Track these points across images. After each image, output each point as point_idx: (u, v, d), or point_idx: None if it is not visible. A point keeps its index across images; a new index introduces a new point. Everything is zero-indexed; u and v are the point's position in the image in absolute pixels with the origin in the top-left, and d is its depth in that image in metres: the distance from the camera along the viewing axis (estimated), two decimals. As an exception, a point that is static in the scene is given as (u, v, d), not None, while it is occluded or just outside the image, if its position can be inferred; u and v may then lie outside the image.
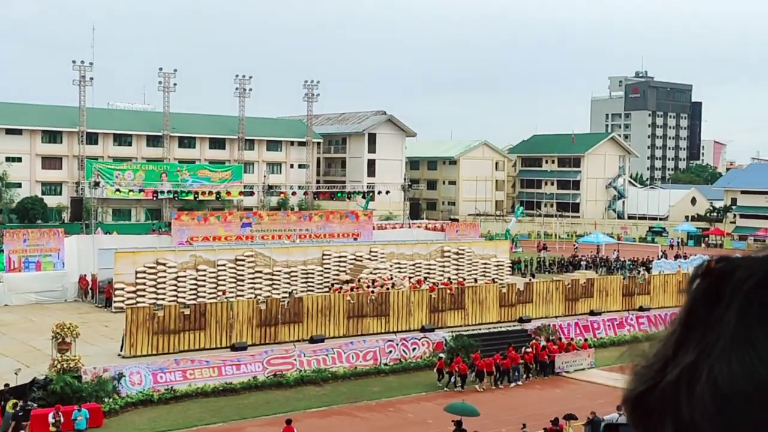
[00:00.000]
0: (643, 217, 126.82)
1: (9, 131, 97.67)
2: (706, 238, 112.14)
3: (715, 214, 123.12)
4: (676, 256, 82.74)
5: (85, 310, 49.78)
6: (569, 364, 43.55)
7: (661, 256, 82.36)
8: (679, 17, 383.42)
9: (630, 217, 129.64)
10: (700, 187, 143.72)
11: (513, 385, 40.62)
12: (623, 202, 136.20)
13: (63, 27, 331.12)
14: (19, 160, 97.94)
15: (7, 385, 32.48)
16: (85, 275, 53.21)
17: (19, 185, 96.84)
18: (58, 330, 34.58)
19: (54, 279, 53.05)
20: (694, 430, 1.23)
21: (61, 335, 34.46)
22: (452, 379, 39.63)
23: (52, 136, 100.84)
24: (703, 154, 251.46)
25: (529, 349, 42.96)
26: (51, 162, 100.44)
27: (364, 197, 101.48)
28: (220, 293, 49.53)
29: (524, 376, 41.54)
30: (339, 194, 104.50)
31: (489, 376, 40.27)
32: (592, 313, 51.58)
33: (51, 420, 30.05)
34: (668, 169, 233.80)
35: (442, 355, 41.04)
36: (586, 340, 47.43)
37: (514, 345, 43.01)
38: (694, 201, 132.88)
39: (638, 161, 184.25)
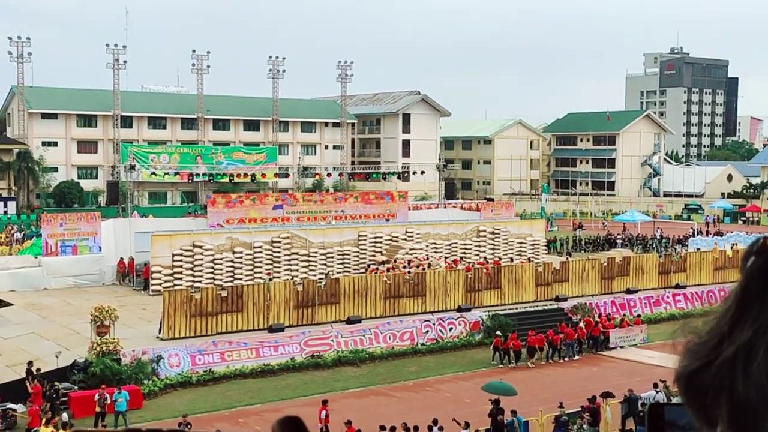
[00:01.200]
0: (678, 195, 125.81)
1: (45, 116, 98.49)
2: (743, 215, 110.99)
3: (751, 190, 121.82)
4: (712, 233, 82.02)
5: (123, 293, 50.16)
6: (623, 339, 43.78)
7: (697, 233, 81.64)
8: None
9: (666, 195, 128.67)
10: (737, 164, 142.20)
11: (567, 359, 41.03)
12: (659, 179, 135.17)
13: (97, 11, 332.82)
14: (55, 144, 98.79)
15: (38, 370, 32.78)
16: (122, 258, 53.59)
17: (56, 169, 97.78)
18: (96, 313, 34.85)
19: (92, 263, 53.48)
20: (749, 408, 1.23)
21: (99, 318, 34.73)
22: (506, 357, 39.86)
23: (87, 120, 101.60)
24: (739, 130, 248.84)
25: (582, 325, 43.19)
26: (86, 146, 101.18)
27: (382, 177, 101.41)
28: (266, 275, 49.75)
29: (577, 351, 41.82)
30: (374, 175, 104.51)
31: (540, 352, 40.55)
32: (628, 291, 51.30)
33: (97, 399, 30.37)
34: (704, 146, 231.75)
35: (498, 333, 41.07)
36: (639, 316, 47.80)
37: (560, 323, 43.30)
38: (730, 178, 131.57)
39: (674, 138, 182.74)
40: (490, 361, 40.04)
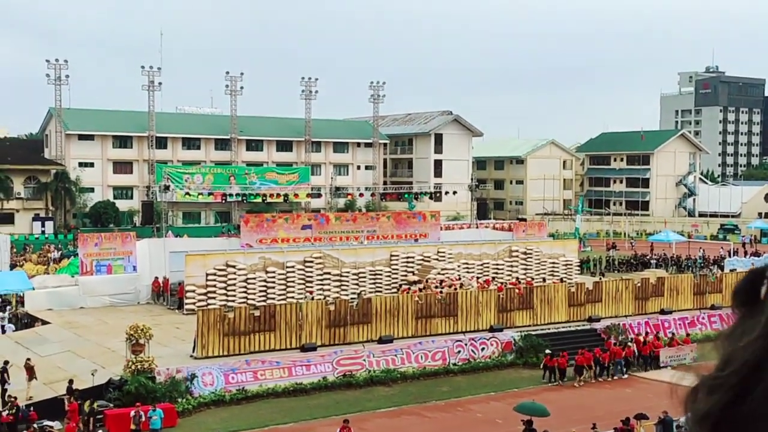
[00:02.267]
0: (714, 215, 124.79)
1: (81, 137, 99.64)
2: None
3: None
4: (749, 253, 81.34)
5: (158, 312, 50.55)
6: (673, 358, 43.81)
7: (733, 253, 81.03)
8: (750, 10, 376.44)
9: (701, 215, 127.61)
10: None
11: (616, 377, 41.37)
12: (694, 199, 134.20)
13: (132, 33, 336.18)
14: (92, 165, 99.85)
15: (71, 381, 33.21)
16: (157, 278, 54.04)
17: (92, 190, 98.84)
18: (131, 332, 35.18)
19: (127, 282, 53.99)
20: None
21: (134, 337, 35.06)
22: (552, 376, 40.15)
23: (123, 141, 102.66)
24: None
25: (631, 344, 43.43)
26: (122, 167, 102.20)
27: (414, 197, 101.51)
28: (308, 293, 50.15)
29: (625, 370, 42.06)
30: (406, 195, 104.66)
31: (588, 370, 40.73)
32: (662, 312, 50.96)
33: (132, 416, 30.68)
34: (740, 166, 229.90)
35: (548, 351, 41.18)
36: (688, 335, 47.99)
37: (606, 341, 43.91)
38: (767, 197, 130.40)
39: (709, 158, 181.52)
40: (540, 380, 40.22)
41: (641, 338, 44.91)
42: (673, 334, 47.90)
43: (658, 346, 44.17)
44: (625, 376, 41.62)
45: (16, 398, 32.09)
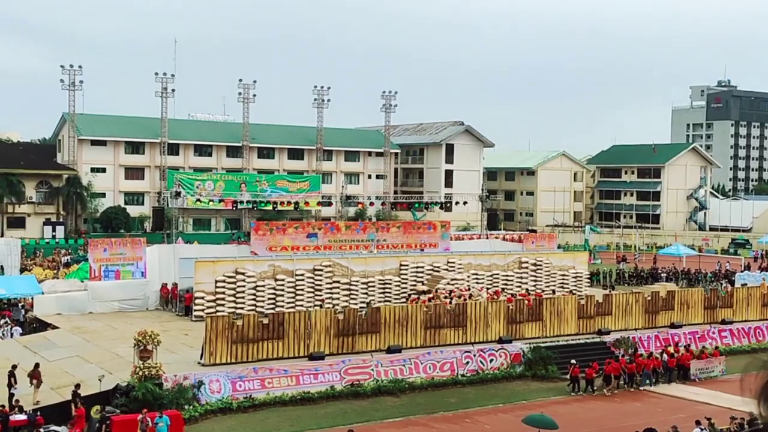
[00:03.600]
0: (725, 229, 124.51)
1: (94, 142, 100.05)
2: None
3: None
4: (762, 268, 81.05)
5: (166, 318, 50.56)
6: (702, 371, 43.96)
7: (745, 268, 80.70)
8: (763, 25, 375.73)
9: (712, 229, 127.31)
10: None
11: (642, 388, 41.49)
12: (705, 213, 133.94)
13: (146, 40, 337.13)
14: (104, 170, 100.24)
15: (77, 386, 33.20)
16: (166, 284, 54.05)
17: (104, 195, 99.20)
18: (140, 338, 35.14)
19: (136, 288, 54.02)
20: None
21: (142, 343, 35.02)
22: (578, 385, 40.31)
23: (135, 147, 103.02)
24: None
25: (658, 355, 43.68)
26: (134, 172, 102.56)
27: (422, 209, 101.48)
28: (318, 302, 50.22)
29: (653, 380, 42.26)
30: (416, 205, 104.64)
31: (616, 380, 40.96)
32: (672, 326, 50.73)
33: (139, 422, 30.61)
34: (752, 180, 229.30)
35: (573, 361, 41.21)
36: (717, 348, 48.03)
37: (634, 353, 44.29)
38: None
39: (720, 172, 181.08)
40: (568, 392, 40.20)
41: (671, 350, 45.08)
42: (703, 347, 47.88)
43: (687, 358, 44.20)
44: (651, 387, 41.66)
45: (4, 407, 31.87)
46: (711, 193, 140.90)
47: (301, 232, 59.61)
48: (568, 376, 41.02)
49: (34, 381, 34.67)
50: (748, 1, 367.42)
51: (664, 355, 43.92)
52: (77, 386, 33.14)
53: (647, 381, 42.06)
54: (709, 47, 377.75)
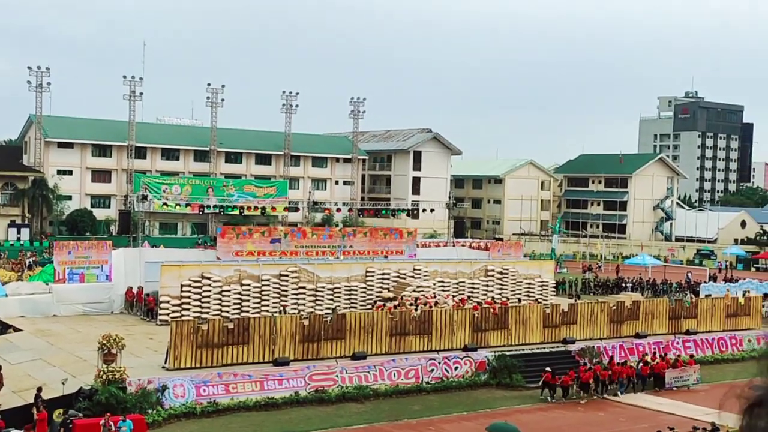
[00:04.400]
0: (691, 240, 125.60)
1: (61, 145, 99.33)
2: (756, 262, 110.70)
3: (765, 237, 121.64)
4: (724, 279, 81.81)
5: (131, 322, 50.26)
6: (677, 379, 44.46)
7: (710, 279, 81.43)
8: (730, 37, 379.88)
9: (678, 240, 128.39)
10: (751, 210, 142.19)
11: (618, 396, 42.03)
12: (671, 224, 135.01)
13: (114, 43, 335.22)
14: (70, 173, 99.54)
15: (39, 389, 32.93)
16: (131, 288, 53.75)
17: (70, 198, 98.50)
18: (104, 341, 34.95)
19: (101, 291, 53.65)
20: None
21: (107, 346, 34.83)
22: (552, 392, 40.74)
23: (102, 150, 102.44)
24: (753, 176, 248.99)
25: (632, 364, 44.39)
26: (100, 175, 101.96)
27: (409, 215, 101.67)
28: (281, 308, 50.15)
29: (625, 388, 42.74)
30: (383, 211, 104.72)
31: (591, 388, 41.62)
32: (637, 335, 51.07)
33: (101, 426, 30.40)
34: (718, 191, 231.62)
35: (548, 368, 41.47)
36: (692, 356, 48.90)
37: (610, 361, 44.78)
38: (744, 224, 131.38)
39: (687, 183, 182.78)
40: (544, 398, 40.58)
41: (647, 358, 45.65)
42: (678, 355, 48.61)
43: (662, 366, 44.64)
44: (620, 395, 42.06)
45: None
46: (677, 203, 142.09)
47: (266, 238, 59.42)
48: (540, 383, 41.23)
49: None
50: (716, 13, 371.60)
51: (640, 364, 44.42)
52: (39, 389, 32.87)
53: (622, 389, 42.44)
54: (677, 59, 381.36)
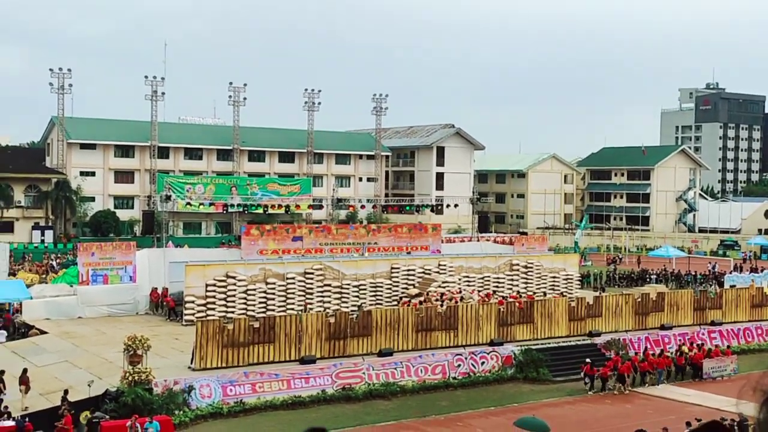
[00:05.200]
0: (714, 231, 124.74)
1: (83, 146, 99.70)
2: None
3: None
4: (748, 270, 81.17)
5: (156, 322, 50.33)
6: (715, 369, 44.30)
7: (734, 269, 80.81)
8: (751, 27, 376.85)
9: (701, 231, 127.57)
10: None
11: (657, 387, 41.98)
12: (694, 215, 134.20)
13: (136, 43, 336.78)
14: (93, 174, 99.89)
15: (66, 391, 32.99)
16: (156, 288, 53.83)
17: (93, 199, 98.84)
18: (129, 342, 34.96)
19: (126, 292, 53.74)
20: None
21: (132, 348, 34.84)
22: (594, 384, 40.91)
23: (125, 151, 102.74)
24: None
25: (668, 354, 44.50)
26: (123, 176, 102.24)
27: (433, 210, 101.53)
28: (304, 306, 50.24)
29: (665, 379, 42.76)
30: (407, 207, 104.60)
31: (628, 379, 41.50)
32: (662, 327, 50.75)
33: (128, 428, 30.43)
34: (740, 182, 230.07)
35: (588, 360, 41.63)
36: (729, 347, 48.90)
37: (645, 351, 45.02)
38: (767, 214, 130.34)
39: (709, 174, 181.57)
40: (586, 390, 40.78)
41: (685, 348, 45.69)
42: (716, 345, 48.49)
43: (699, 357, 44.58)
44: (659, 386, 41.96)
45: None
46: (700, 194, 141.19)
47: (288, 235, 59.37)
48: (582, 375, 41.54)
49: (23, 387, 34.46)
50: (736, 5, 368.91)
51: (676, 354, 44.56)
52: (66, 392, 32.93)
53: (661, 379, 42.48)
54: (698, 50, 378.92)
